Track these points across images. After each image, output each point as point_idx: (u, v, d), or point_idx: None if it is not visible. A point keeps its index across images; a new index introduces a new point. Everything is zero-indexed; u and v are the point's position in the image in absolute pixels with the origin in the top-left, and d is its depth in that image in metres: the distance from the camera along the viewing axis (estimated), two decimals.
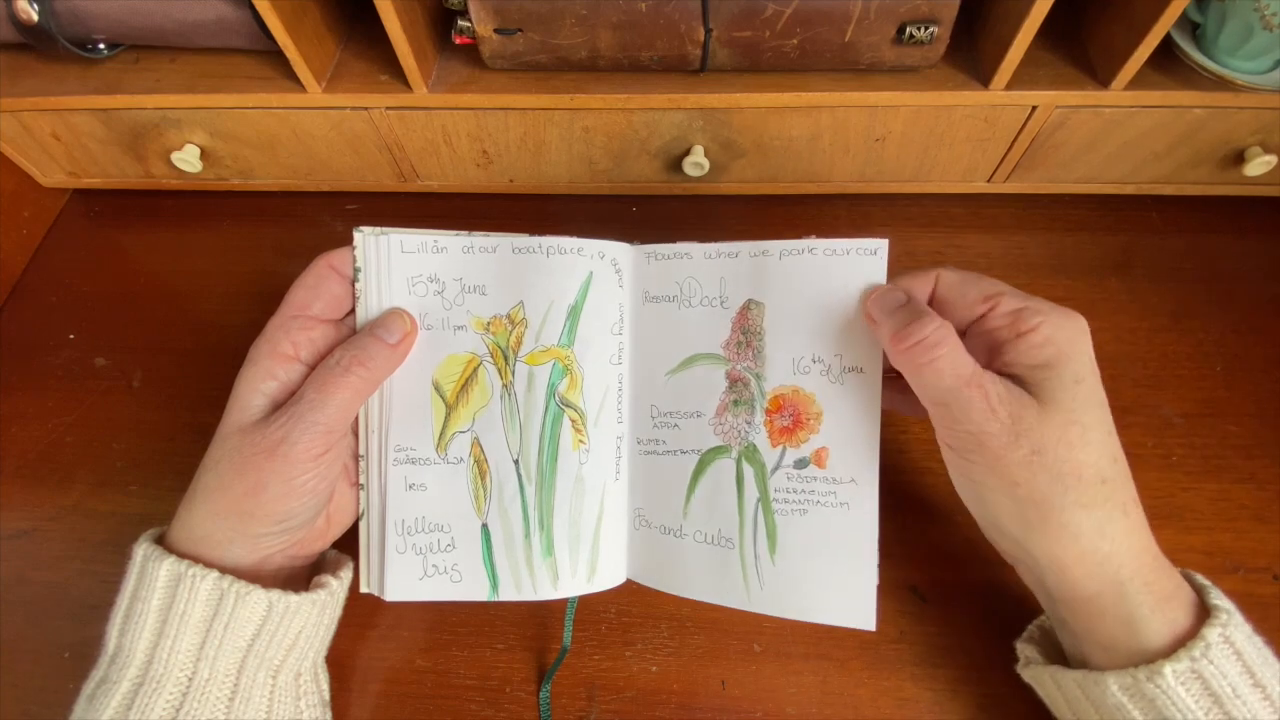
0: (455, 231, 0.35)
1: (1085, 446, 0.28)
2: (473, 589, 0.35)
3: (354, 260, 0.34)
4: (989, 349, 0.31)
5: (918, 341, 0.29)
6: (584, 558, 0.36)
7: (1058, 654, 0.33)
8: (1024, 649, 0.33)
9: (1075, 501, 0.28)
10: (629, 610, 0.38)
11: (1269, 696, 0.27)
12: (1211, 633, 0.27)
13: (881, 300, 0.32)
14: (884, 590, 0.37)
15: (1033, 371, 0.29)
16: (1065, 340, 0.29)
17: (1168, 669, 0.27)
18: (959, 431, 0.29)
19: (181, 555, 0.31)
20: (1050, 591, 0.30)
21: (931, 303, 0.33)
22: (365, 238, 0.34)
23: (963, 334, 0.32)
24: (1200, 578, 0.30)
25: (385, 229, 0.34)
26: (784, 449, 0.34)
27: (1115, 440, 0.29)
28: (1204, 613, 0.29)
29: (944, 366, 0.29)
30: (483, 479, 0.35)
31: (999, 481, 0.29)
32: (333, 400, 0.31)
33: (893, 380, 0.33)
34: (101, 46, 0.45)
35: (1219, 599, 0.29)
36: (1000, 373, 0.30)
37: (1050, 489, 0.28)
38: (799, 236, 0.35)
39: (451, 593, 0.35)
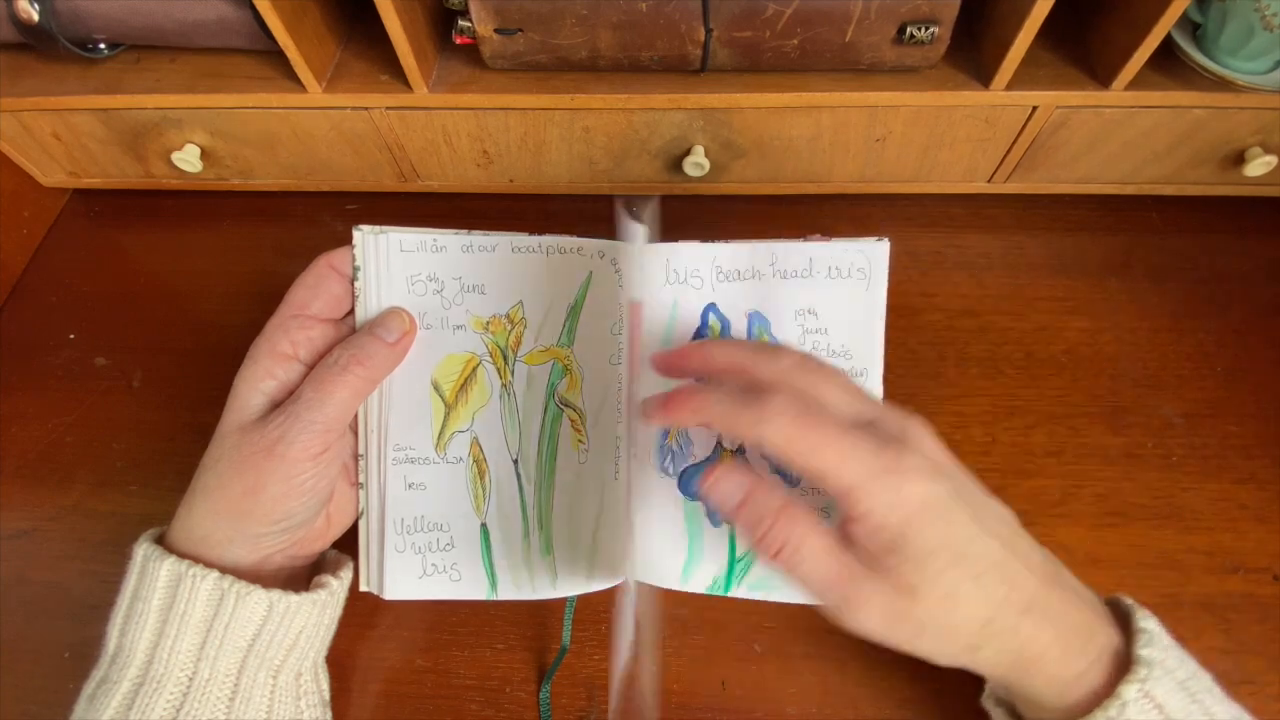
0: (455, 230, 0.35)
1: (960, 609, 0.27)
2: (472, 588, 0.35)
3: (353, 259, 0.34)
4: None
5: (778, 550, 0.27)
6: (582, 557, 0.36)
7: None
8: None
9: (964, 647, 0.28)
10: None
11: None
12: (1128, 690, 0.27)
13: (721, 491, 0.29)
14: None
15: (879, 558, 0.27)
16: (896, 522, 0.27)
17: None
18: (843, 625, 0.28)
19: (182, 555, 0.31)
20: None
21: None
22: (364, 236, 0.34)
23: None
24: (1141, 620, 0.29)
25: (384, 227, 0.34)
26: None
27: (992, 575, 0.27)
28: (1128, 665, 0.28)
29: (808, 570, 0.27)
30: (481, 478, 0.35)
31: (893, 647, 0.28)
32: (331, 399, 0.31)
33: None
34: (102, 46, 0.45)
35: (1146, 648, 0.28)
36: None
37: (940, 648, 0.28)
38: (799, 236, 0.36)
39: (451, 591, 0.35)
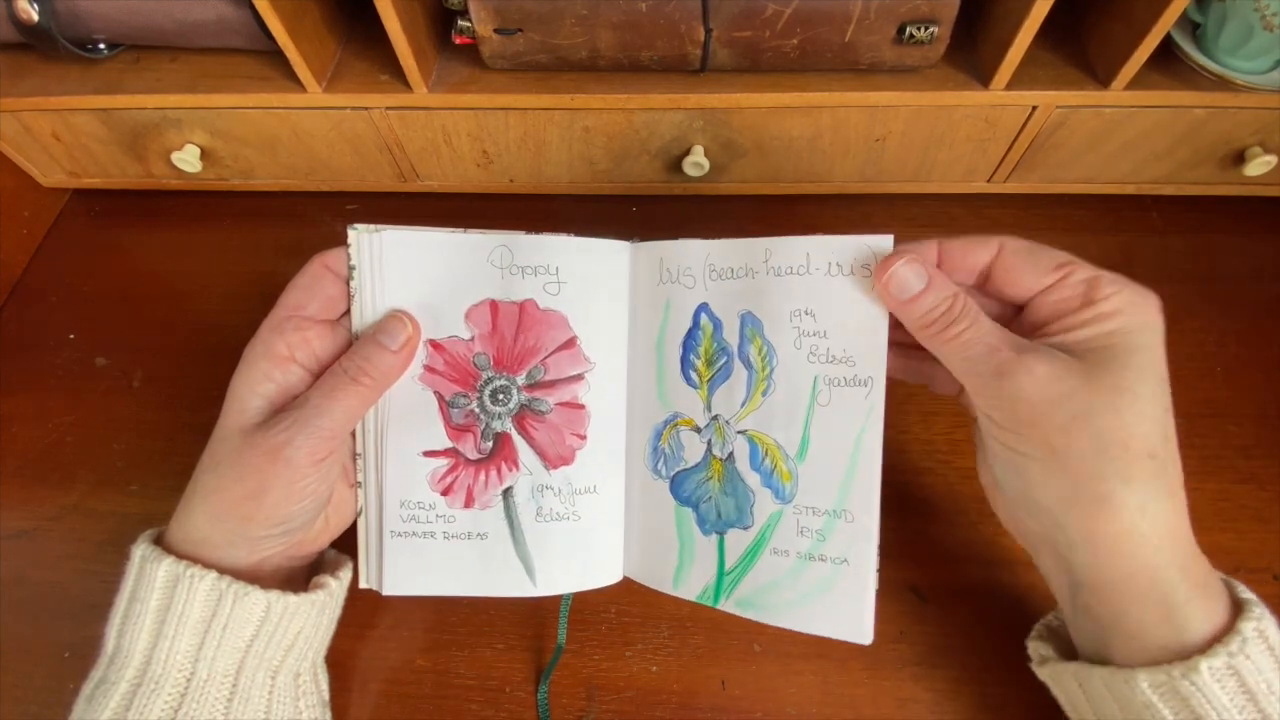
0: (450, 229, 0.35)
1: (1135, 416, 0.27)
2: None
3: (348, 259, 0.34)
4: (1052, 318, 0.30)
5: (940, 317, 0.29)
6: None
7: (1068, 652, 0.32)
8: (1037, 647, 0.32)
9: (1118, 473, 0.27)
10: (629, 610, 0.38)
11: None
12: (1247, 626, 0.26)
13: (899, 284, 0.30)
14: (884, 590, 0.37)
15: (1094, 338, 0.28)
16: (1136, 313, 0.28)
17: (1204, 665, 0.26)
18: (995, 400, 0.28)
19: (180, 556, 0.31)
20: (1078, 574, 0.29)
21: (991, 271, 0.31)
22: (360, 235, 0.34)
23: (1025, 304, 0.31)
24: (1221, 574, 0.29)
25: (380, 226, 0.34)
26: None
27: (1169, 419, 0.28)
28: (1236, 606, 0.28)
29: (970, 336, 0.29)
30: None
31: (1037, 449, 0.28)
32: (339, 407, 0.31)
33: (901, 346, 0.32)
34: (101, 46, 0.45)
35: (1247, 592, 0.28)
36: (1058, 339, 0.29)
37: (1092, 457, 0.27)
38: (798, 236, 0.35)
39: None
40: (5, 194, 0.51)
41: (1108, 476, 0.27)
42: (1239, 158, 0.45)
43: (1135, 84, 0.41)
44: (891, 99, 0.42)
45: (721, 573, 0.34)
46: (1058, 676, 0.31)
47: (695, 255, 0.35)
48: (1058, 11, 0.36)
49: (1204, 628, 0.27)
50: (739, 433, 0.34)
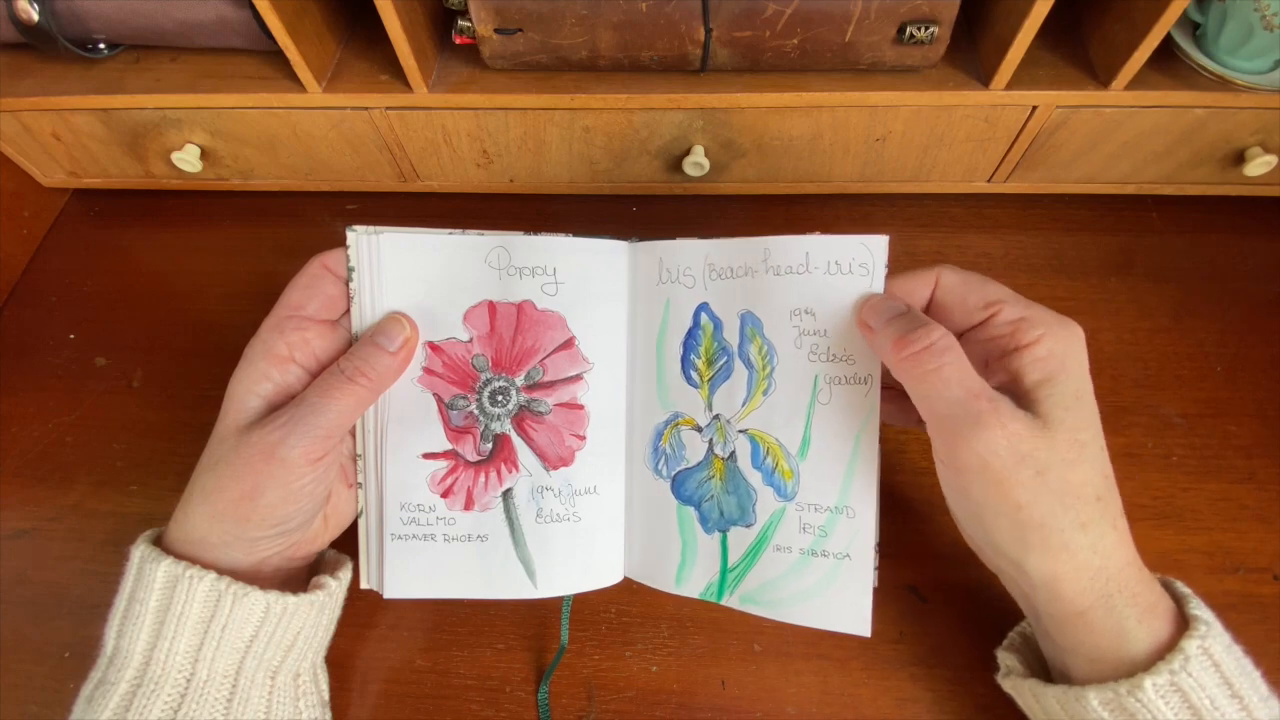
0: (449, 230, 0.35)
1: (1085, 466, 0.28)
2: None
3: (348, 260, 0.34)
4: (985, 358, 0.31)
5: (923, 348, 0.29)
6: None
7: (1039, 661, 0.33)
8: (1005, 657, 0.33)
9: (1074, 522, 0.28)
10: (629, 610, 0.38)
11: (1246, 707, 0.27)
12: (1190, 645, 0.27)
13: (879, 307, 0.31)
14: (884, 590, 0.37)
15: (1033, 387, 0.29)
16: (1066, 354, 0.29)
17: (1148, 682, 0.27)
18: (963, 449, 0.28)
19: (179, 557, 0.31)
20: (1039, 607, 0.30)
21: (930, 305, 0.32)
22: (359, 237, 0.34)
23: (961, 336, 0.32)
24: (1180, 586, 0.30)
25: (378, 228, 0.34)
26: None
27: (1106, 454, 0.29)
28: (1184, 623, 0.29)
29: (950, 375, 0.28)
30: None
31: (1001, 503, 0.28)
32: (334, 406, 0.31)
33: (889, 390, 0.32)
34: (102, 46, 0.45)
35: (1198, 609, 0.29)
36: (1005, 386, 0.29)
37: (1052, 510, 0.28)
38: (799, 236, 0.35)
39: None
40: (5, 194, 0.51)
41: (1065, 527, 0.28)
42: (1239, 158, 0.45)
43: (1135, 84, 0.41)
44: (891, 99, 0.42)
45: (725, 570, 0.34)
46: (1017, 689, 0.32)
47: (695, 255, 0.35)
48: (1058, 11, 0.36)
49: (1151, 646, 0.28)
50: (740, 432, 0.34)
